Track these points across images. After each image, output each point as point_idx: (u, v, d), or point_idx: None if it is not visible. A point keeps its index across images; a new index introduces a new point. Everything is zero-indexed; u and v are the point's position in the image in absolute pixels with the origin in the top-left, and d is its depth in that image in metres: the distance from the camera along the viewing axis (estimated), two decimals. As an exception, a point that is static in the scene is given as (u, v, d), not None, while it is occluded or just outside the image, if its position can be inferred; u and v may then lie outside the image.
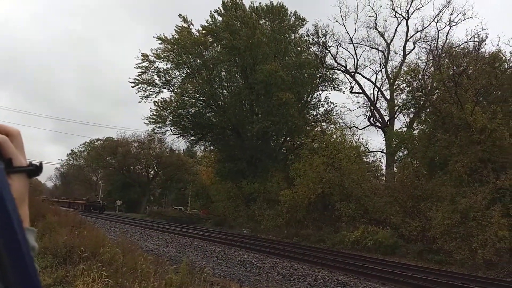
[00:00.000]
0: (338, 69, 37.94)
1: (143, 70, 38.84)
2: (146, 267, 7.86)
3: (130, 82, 38.68)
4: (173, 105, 38.97)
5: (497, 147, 19.65)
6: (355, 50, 36.55)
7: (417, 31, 34.83)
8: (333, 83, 39.86)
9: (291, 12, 40.12)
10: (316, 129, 35.92)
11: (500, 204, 17.58)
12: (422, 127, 29.67)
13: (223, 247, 18.58)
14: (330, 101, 40.49)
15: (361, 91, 36.54)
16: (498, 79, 22.92)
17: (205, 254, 16.28)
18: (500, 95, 24.24)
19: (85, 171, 78.18)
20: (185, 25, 39.00)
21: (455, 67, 24.58)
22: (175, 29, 38.65)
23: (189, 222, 39.80)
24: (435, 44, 31.95)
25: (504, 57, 26.38)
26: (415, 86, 30.29)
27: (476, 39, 28.47)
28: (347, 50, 37.25)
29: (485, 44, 29.00)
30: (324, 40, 36.09)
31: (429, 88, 29.07)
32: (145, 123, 39.77)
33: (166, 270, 8.46)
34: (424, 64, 31.44)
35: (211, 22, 37.92)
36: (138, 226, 29.43)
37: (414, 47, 35.05)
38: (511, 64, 26.08)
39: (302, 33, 39.33)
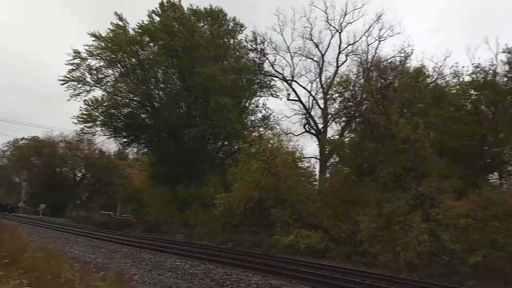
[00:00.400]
0: (275, 76, 38.55)
1: (74, 67, 36.66)
2: (71, 274, 7.34)
3: (60, 80, 36.39)
4: (104, 104, 37.18)
5: (418, 156, 20.97)
6: (292, 59, 37.34)
7: (349, 44, 36.17)
8: (271, 89, 40.46)
9: (230, 18, 40.16)
10: (253, 134, 36.21)
11: (421, 210, 18.66)
12: (352, 135, 30.88)
13: (154, 253, 17.96)
14: (268, 107, 41.02)
15: (297, 98, 37.41)
16: (421, 93, 24.74)
17: (135, 261, 15.60)
18: (422, 108, 26.01)
19: (7, 172, 72.47)
20: (120, 23, 37.51)
21: (382, 80, 26.07)
22: (109, 28, 37.08)
23: (118, 228, 38.13)
24: (365, 58, 33.43)
25: (427, 72, 28.44)
26: (346, 96, 31.67)
27: (402, 54, 30.22)
28: (284, 59, 37.87)
29: (411, 59, 30.59)
30: (262, 47, 36.49)
31: (359, 98, 30.47)
32: (74, 123, 37.50)
33: (93, 277, 7.96)
34: (355, 76, 32.76)
35: (149, 22, 36.83)
36: (63, 231, 27.79)
37: (346, 59, 36.34)
38: (433, 79, 28.14)
39: (241, 39, 39.50)
